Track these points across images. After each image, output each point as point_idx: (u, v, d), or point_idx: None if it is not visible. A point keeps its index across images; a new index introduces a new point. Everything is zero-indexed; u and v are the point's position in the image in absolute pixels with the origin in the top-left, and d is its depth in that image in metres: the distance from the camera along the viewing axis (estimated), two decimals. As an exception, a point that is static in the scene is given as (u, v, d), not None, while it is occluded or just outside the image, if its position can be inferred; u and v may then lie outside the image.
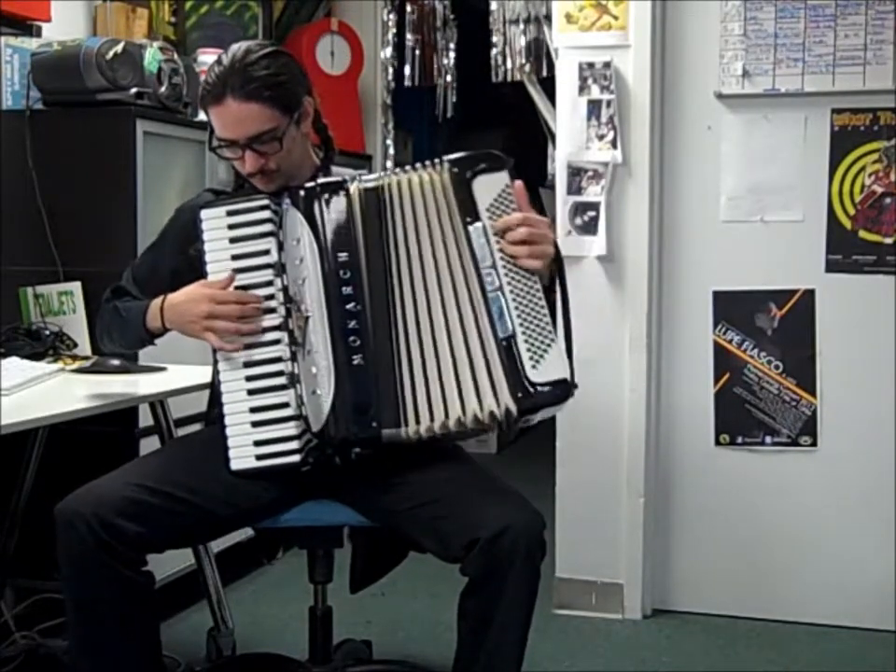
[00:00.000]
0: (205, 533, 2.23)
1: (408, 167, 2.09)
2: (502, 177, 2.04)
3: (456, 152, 2.08)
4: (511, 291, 2.00)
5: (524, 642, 2.02)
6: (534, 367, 1.98)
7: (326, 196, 2.06)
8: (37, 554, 2.80)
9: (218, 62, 2.10)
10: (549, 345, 1.99)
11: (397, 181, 2.06)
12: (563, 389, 1.99)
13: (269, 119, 2.08)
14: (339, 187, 2.07)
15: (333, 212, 2.06)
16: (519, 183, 2.05)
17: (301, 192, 2.07)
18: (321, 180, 2.10)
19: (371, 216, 2.06)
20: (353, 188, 2.07)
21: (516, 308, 2.00)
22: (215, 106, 2.08)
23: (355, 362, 2.03)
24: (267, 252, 2.06)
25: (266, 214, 2.07)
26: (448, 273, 2.03)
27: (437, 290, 2.04)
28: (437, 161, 2.07)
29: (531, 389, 1.97)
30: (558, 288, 2.11)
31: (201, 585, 2.86)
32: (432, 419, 2.02)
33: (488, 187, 2.04)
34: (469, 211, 2.03)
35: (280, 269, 2.06)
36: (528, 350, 1.99)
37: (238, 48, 2.11)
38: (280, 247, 2.07)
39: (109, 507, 1.94)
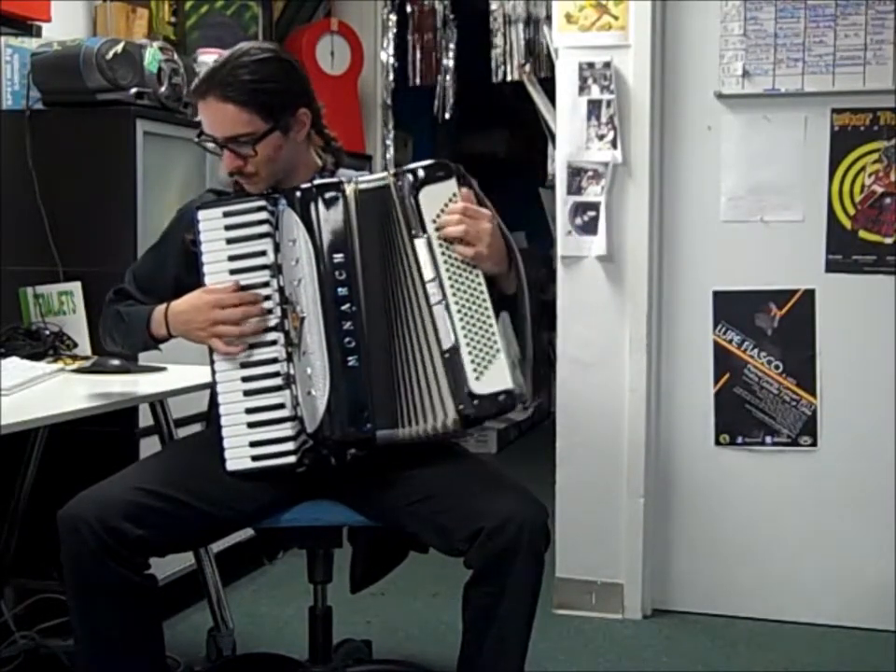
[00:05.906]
0: (207, 535, 2.24)
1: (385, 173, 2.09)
2: (449, 186, 2.03)
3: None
4: (456, 303, 2.01)
5: (528, 631, 2.03)
6: (477, 378, 1.99)
7: (322, 197, 2.06)
8: (37, 554, 2.80)
9: (217, 58, 2.13)
10: (493, 356, 2.00)
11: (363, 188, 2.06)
12: (507, 400, 2.00)
13: (246, 123, 2.09)
14: (335, 188, 2.07)
15: (330, 213, 2.06)
16: (466, 191, 2.04)
17: (298, 193, 2.07)
18: (317, 181, 2.10)
19: (367, 217, 2.06)
20: (349, 189, 2.07)
21: (461, 319, 2.00)
22: (199, 101, 2.12)
23: (350, 363, 2.03)
24: (263, 253, 2.07)
25: (263, 215, 2.08)
26: (400, 286, 2.04)
27: (391, 304, 2.04)
28: (395, 170, 2.08)
29: (474, 401, 1.99)
30: (523, 292, 2.11)
31: (201, 585, 2.86)
32: (416, 423, 2.04)
33: (435, 198, 2.03)
34: (415, 224, 2.03)
35: (276, 270, 2.07)
36: (472, 362, 2.00)
37: (239, 48, 2.14)
38: (276, 248, 2.07)
39: (112, 511, 1.95)
